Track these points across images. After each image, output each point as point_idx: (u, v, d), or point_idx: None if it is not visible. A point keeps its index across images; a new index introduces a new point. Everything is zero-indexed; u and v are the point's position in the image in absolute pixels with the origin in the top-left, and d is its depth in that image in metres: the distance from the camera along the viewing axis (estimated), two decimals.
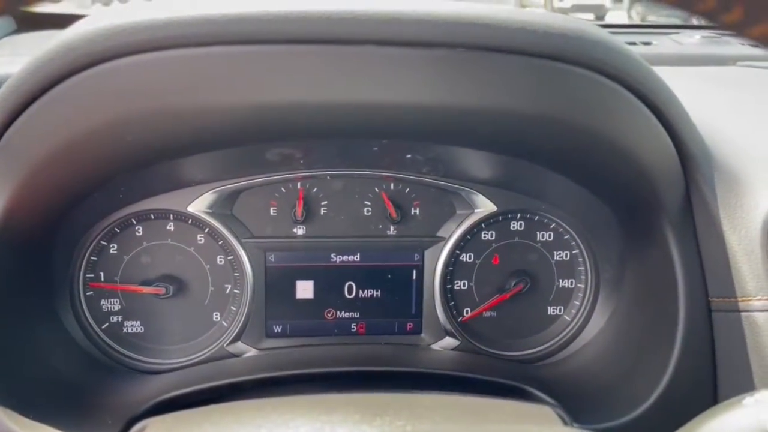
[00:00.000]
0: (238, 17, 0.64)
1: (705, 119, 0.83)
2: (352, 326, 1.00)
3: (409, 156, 0.85)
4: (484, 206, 0.98)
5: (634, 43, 1.46)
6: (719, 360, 0.80)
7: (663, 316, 0.82)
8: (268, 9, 0.64)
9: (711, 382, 0.80)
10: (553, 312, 1.02)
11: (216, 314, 0.97)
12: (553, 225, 1.00)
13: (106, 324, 0.95)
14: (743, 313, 0.76)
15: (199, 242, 0.95)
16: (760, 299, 0.75)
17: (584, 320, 1.00)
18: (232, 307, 0.97)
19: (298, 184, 0.96)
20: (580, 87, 0.70)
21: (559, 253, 1.01)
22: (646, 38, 1.51)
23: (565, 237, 1.00)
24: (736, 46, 1.46)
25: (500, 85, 0.67)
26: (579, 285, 1.01)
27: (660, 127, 0.76)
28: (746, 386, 0.76)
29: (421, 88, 0.66)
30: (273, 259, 0.97)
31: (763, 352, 0.74)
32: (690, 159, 0.79)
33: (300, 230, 0.97)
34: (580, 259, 1.01)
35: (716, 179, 0.79)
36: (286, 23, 0.65)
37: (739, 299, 0.76)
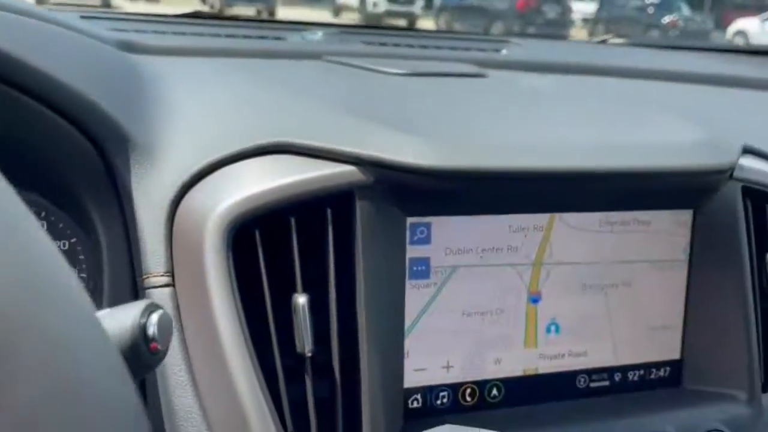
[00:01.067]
0: None
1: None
2: None
3: None
4: None
5: None
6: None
7: None
8: None
9: None
10: None
11: None
12: None
13: None
14: (155, 290, 0.78)
15: None
16: (161, 276, 0.77)
17: None
18: None
19: None
20: None
21: None
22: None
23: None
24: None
25: None
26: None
27: (58, 119, 0.76)
28: None
29: None
30: None
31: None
32: (103, 144, 0.79)
33: None
34: None
35: (134, 161, 0.80)
36: None
37: (152, 275, 0.78)
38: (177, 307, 0.75)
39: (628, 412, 0.87)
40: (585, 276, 0.90)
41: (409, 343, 0.83)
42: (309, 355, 0.74)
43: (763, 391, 0.93)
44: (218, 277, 0.72)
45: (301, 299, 0.74)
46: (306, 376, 0.76)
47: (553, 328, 0.90)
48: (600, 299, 0.91)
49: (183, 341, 0.75)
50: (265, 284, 0.74)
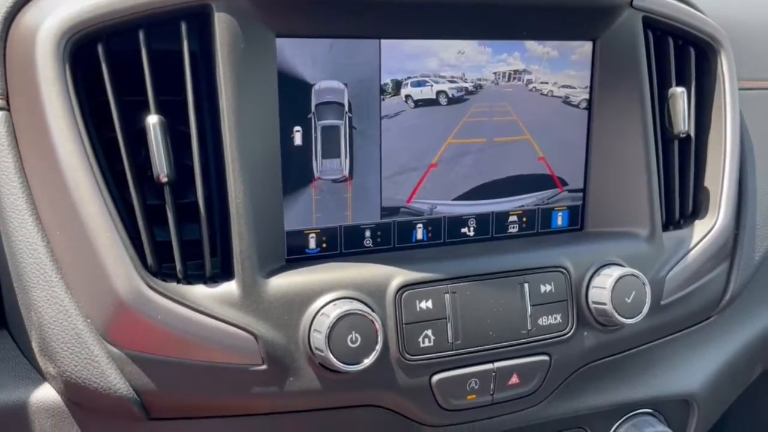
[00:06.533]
0: None
1: None
2: None
3: None
4: None
5: None
6: None
7: None
8: None
9: None
10: None
11: None
12: None
13: None
14: None
15: None
16: None
17: None
18: None
19: None
20: None
21: None
22: None
23: None
24: None
25: None
26: None
27: None
28: None
29: None
30: None
31: None
32: None
33: None
34: None
35: None
36: None
37: None
38: (12, 133, 0.67)
39: (524, 249, 0.84)
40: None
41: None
42: (165, 180, 0.67)
43: (664, 230, 0.91)
44: (53, 93, 0.64)
45: (152, 119, 0.67)
46: (167, 209, 0.69)
47: None
48: None
49: (20, 169, 0.67)
50: (112, 103, 0.67)
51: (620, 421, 0.90)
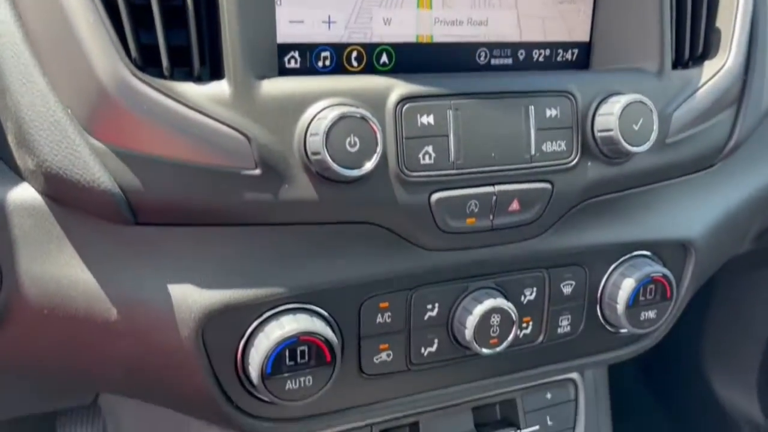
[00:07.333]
0: None
1: None
2: None
3: None
4: None
5: None
6: None
7: None
8: None
9: None
10: None
11: None
12: None
13: None
14: None
15: None
16: None
17: None
18: None
19: None
20: None
21: None
22: None
23: None
24: None
25: None
26: None
27: None
28: None
29: None
30: None
31: None
32: None
33: None
34: None
35: None
36: None
37: None
38: None
39: (531, 75, 0.80)
40: None
41: None
42: None
43: (673, 69, 0.87)
44: None
45: None
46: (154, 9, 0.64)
47: None
48: None
49: None
50: None
51: (618, 262, 0.89)
